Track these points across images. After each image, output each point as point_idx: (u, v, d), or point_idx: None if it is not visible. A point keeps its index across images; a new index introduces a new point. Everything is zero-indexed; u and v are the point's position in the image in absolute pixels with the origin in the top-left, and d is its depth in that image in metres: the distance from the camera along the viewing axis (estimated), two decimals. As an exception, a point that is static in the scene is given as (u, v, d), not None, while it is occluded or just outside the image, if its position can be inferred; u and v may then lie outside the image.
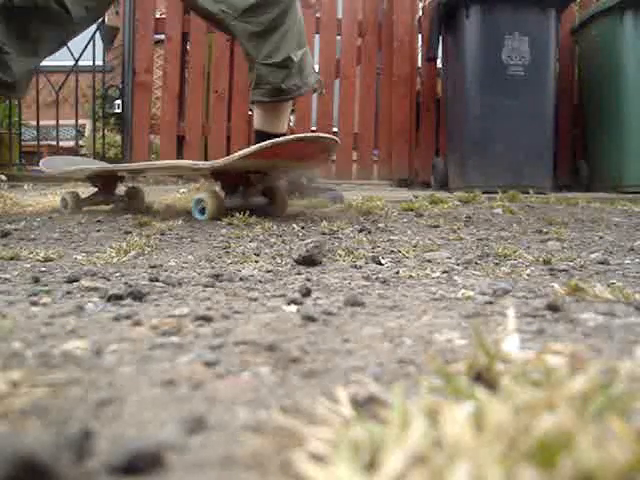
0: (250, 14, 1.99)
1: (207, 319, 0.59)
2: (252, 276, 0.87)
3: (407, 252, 1.11)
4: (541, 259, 1.01)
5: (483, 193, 2.50)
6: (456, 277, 0.87)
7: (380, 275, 0.88)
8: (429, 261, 1.03)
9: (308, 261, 0.97)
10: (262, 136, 2.06)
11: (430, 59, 3.46)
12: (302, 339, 0.53)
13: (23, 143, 3.84)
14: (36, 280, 0.82)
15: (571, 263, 1.00)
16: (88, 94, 4.10)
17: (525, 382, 0.34)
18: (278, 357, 0.48)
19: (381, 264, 1.00)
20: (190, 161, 1.91)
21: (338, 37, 3.63)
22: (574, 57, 3.63)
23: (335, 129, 3.62)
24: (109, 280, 0.83)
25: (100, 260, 1.00)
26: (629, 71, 3.03)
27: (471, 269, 0.95)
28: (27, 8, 1.84)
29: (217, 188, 1.74)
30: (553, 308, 0.64)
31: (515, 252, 1.08)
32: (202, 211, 1.63)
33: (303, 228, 1.47)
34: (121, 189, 2.05)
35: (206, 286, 0.79)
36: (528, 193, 2.64)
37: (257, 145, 1.54)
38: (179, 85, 3.55)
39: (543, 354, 0.40)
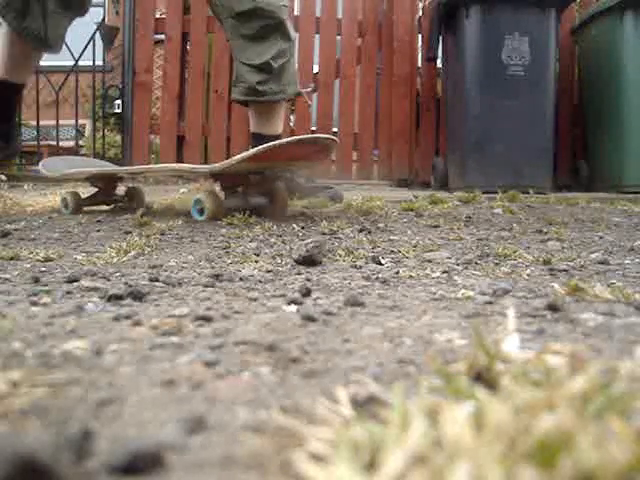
0: (243, 19, 2.05)
1: (207, 319, 0.59)
2: (252, 276, 0.87)
3: (407, 252, 1.11)
4: (541, 259, 1.01)
5: (483, 193, 2.50)
6: (456, 277, 0.87)
7: (380, 275, 0.88)
8: (429, 261, 1.03)
9: (308, 261, 0.97)
10: (258, 138, 2.09)
11: (430, 59, 3.46)
12: (302, 339, 0.53)
13: (23, 143, 3.83)
14: (36, 280, 0.82)
15: (571, 263, 1.00)
16: (88, 94, 4.11)
17: (525, 382, 0.34)
18: (278, 357, 0.48)
19: (381, 264, 1.00)
20: (189, 165, 1.91)
21: (338, 37, 3.63)
22: (574, 57, 3.63)
23: (335, 129, 3.62)
24: (109, 280, 0.83)
25: (100, 260, 1.00)
26: (629, 71, 3.02)
27: (471, 269, 0.95)
28: None
29: (217, 188, 1.74)
30: (553, 308, 0.64)
31: (515, 252, 1.08)
32: (201, 212, 1.63)
33: (303, 228, 1.47)
34: (121, 189, 2.05)
35: (206, 286, 0.79)
36: (528, 193, 2.64)
37: (255, 149, 1.54)
38: (179, 85, 3.54)
39: (543, 354, 0.40)
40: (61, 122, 3.61)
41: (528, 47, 2.96)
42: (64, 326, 0.56)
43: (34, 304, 0.67)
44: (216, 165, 1.61)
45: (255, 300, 0.70)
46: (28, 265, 0.96)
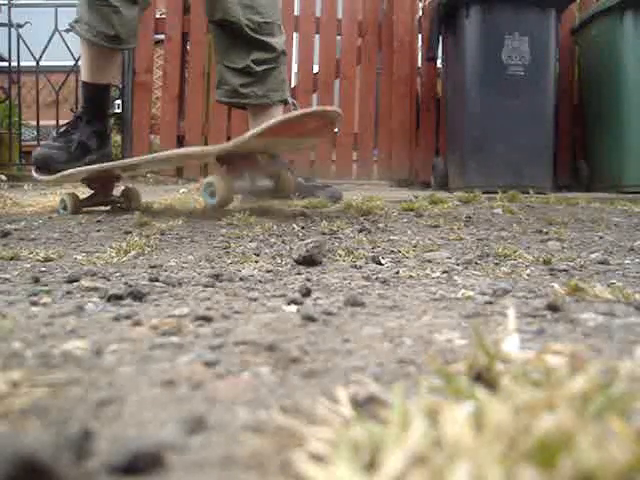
0: (220, 27, 2.11)
1: (207, 319, 0.59)
2: (252, 276, 0.87)
3: (407, 252, 1.11)
4: (541, 259, 1.01)
5: (483, 193, 2.50)
6: (456, 277, 0.87)
7: (380, 275, 0.88)
8: (429, 261, 1.03)
9: (308, 261, 0.97)
10: None
11: (430, 59, 3.46)
12: (302, 339, 0.53)
13: (23, 143, 3.83)
14: (36, 280, 0.82)
15: (571, 263, 1.00)
16: (88, 94, 4.10)
17: (525, 382, 0.34)
18: (278, 357, 0.48)
19: (381, 264, 1.00)
20: (198, 147, 1.91)
21: (338, 37, 3.63)
22: (574, 57, 3.62)
23: (335, 129, 3.62)
24: (109, 280, 0.83)
25: (100, 260, 1.00)
26: (629, 71, 3.02)
27: (471, 269, 0.95)
28: None
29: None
30: (553, 308, 0.64)
31: (515, 252, 1.08)
32: (212, 195, 1.62)
33: (303, 228, 1.47)
34: (119, 190, 2.05)
35: (206, 286, 0.79)
36: (528, 193, 2.63)
37: (265, 124, 1.54)
38: (179, 85, 3.55)
39: (543, 354, 0.40)
40: (61, 122, 3.61)
41: (528, 47, 2.96)
42: (64, 326, 0.56)
43: (34, 304, 0.67)
44: (229, 143, 1.61)
45: (255, 300, 0.70)
46: (28, 265, 0.96)
